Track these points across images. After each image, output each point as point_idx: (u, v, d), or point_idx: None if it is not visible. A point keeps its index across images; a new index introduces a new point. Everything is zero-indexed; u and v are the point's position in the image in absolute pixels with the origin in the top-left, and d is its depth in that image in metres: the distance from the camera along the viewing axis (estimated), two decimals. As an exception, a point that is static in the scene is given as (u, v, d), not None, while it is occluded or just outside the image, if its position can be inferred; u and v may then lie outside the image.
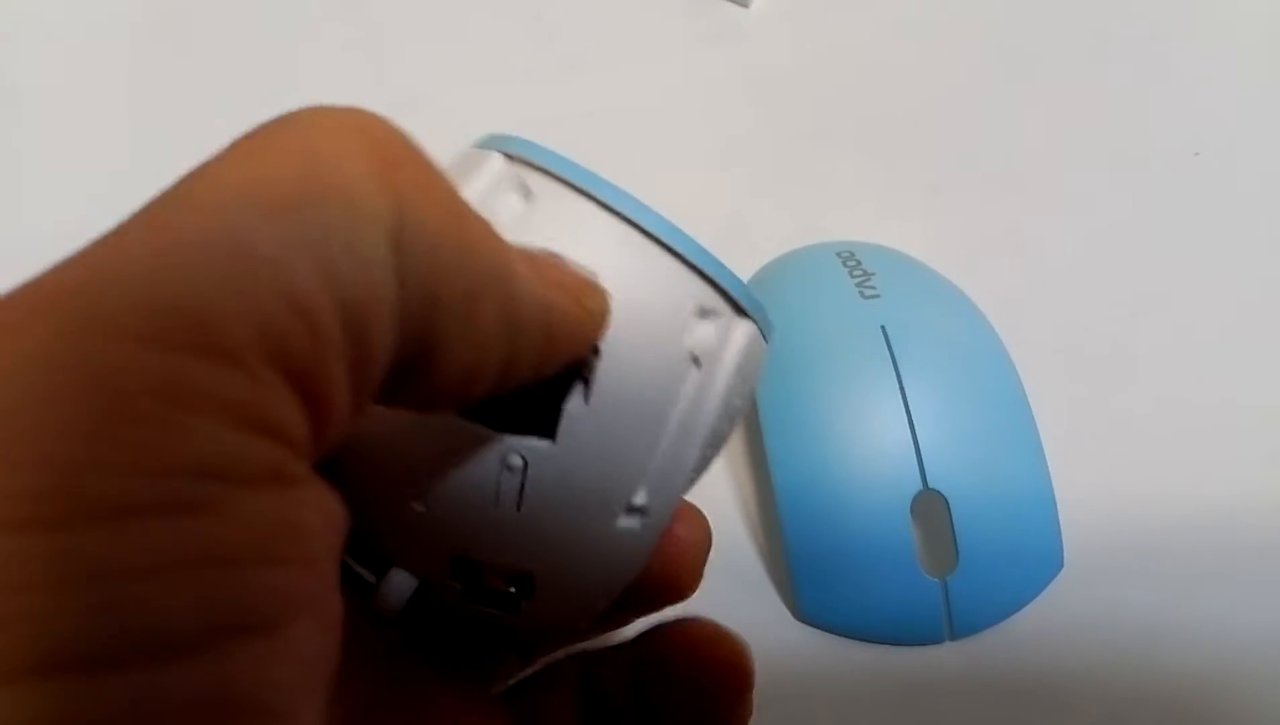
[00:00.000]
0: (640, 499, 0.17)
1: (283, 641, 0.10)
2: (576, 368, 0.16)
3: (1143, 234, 0.34)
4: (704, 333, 0.17)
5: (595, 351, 0.16)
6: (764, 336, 0.18)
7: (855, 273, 0.29)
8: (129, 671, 0.09)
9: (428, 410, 0.14)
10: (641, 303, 0.16)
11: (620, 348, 0.16)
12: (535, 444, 0.16)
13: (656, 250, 0.17)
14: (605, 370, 0.16)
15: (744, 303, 0.17)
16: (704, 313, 0.17)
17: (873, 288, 0.28)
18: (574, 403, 0.16)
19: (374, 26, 0.39)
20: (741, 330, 0.17)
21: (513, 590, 0.17)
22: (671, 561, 0.18)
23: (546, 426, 0.16)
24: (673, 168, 0.36)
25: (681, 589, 0.19)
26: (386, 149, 0.12)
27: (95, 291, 0.10)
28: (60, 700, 0.09)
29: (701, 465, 0.18)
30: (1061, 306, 0.32)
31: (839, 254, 0.30)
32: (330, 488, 0.12)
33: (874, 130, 0.37)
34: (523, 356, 0.14)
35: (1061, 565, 0.27)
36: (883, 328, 0.27)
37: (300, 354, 0.11)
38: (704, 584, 0.27)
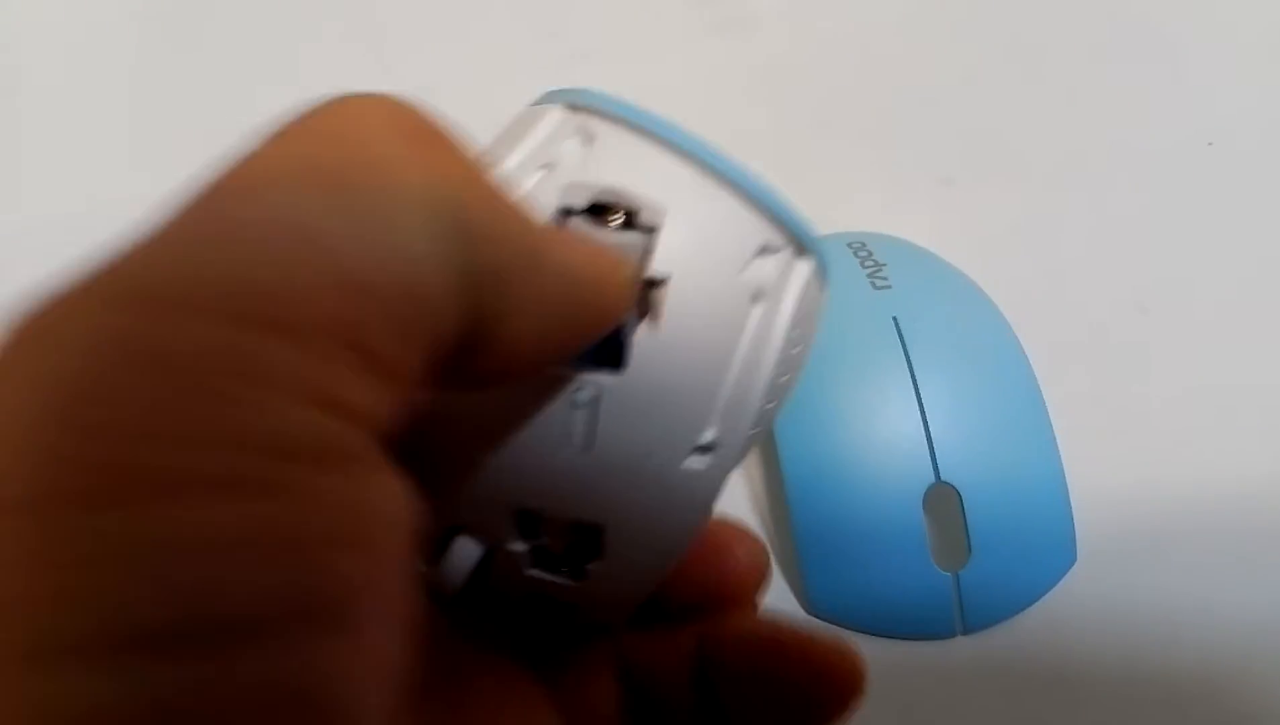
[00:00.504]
0: (709, 436, 0.16)
1: (351, 633, 0.10)
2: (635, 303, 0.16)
3: (1155, 225, 0.34)
4: (765, 269, 0.17)
5: (656, 284, 0.16)
6: (823, 278, 0.18)
7: (867, 263, 0.29)
8: (191, 653, 0.09)
9: (492, 385, 0.14)
10: (703, 237, 0.16)
11: (684, 281, 0.16)
12: (603, 378, 0.16)
13: (718, 186, 0.17)
14: (670, 303, 0.16)
15: (805, 241, 0.17)
16: (765, 250, 0.17)
17: (884, 278, 0.28)
18: (640, 334, 0.16)
19: (377, 19, 0.39)
20: (800, 270, 0.17)
21: (579, 552, 0.17)
22: (731, 581, 0.18)
23: (611, 362, 0.16)
24: None
25: (739, 605, 0.19)
26: (423, 130, 0.12)
27: (160, 270, 0.10)
28: (123, 679, 0.09)
29: (765, 416, 0.17)
30: (1073, 298, 0.32)
31: (850, 245, 0.30)
32: (402, 474, 0.11)
33: (883, 122, 0.37)
34: (571, 326, 0.14)
35: (1075, 558, 0.27)
36: (894, 319, 0.27)
37: (366, 332, 0.11)
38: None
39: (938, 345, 0.27)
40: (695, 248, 0.16)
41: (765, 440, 0.28)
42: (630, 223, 0.16)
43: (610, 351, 0.16)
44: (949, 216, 0.34)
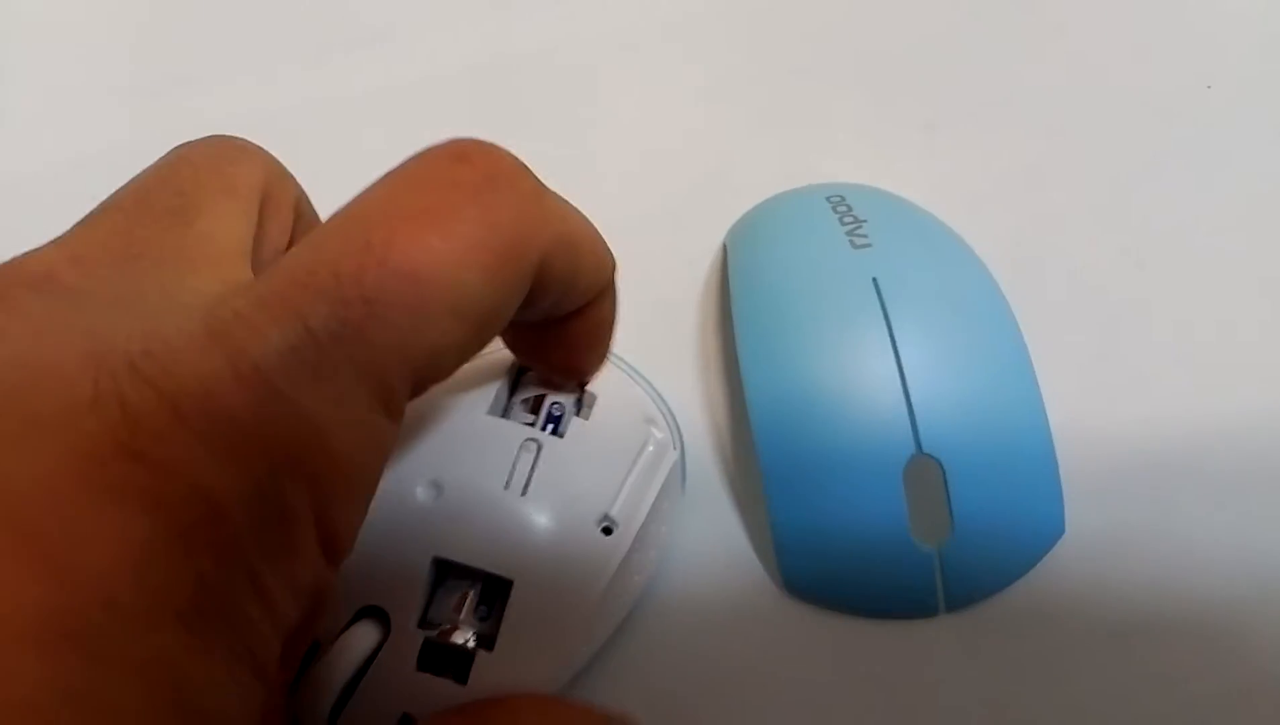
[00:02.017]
0: (614, 512, 0.22)
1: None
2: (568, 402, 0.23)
3: (1152, 173, 0.32)
4: (653, 431, 0.24)
5: (590, 393, 0.23)
6: (680, 478, 0.25)
7: (846, 220, 0.27)
8: None
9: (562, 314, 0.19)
10: (623, 389, 0.24)
11: (606, 401, 0.23)
12: (548, 437, 0.22)
13: (635, 379, 0.25)
14: (598, 405, 0.23)
15: (676, 439, 0.25)
16: (653, 422, 0.24)
17: (864, 236, 0.26)
18: (575, 417, 0.22)
19: None
20: (671, 453, 0.24)
21: (471, 646, 0.20)
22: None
23: (556, 430, 0.22)
24: (654, 105, 0.34)
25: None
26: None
27: None
28: None
29: (641, 551, 0.23)
30: (1066, 250, 0.30)
31: (829, 198, 0.28)
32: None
33: (862, 64, 0.35)
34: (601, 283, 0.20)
35: (1063, 530, 0.25)
36: (874, 280, 0.25)
37: None
38: (684, 554, 0.26)
39: (920, 309, 0.25)
40: (614, 391, 0.23)
41: (737, 408, 0.27)
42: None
43: (555, 422, 0.22)
44: (932, 163, 0.32)
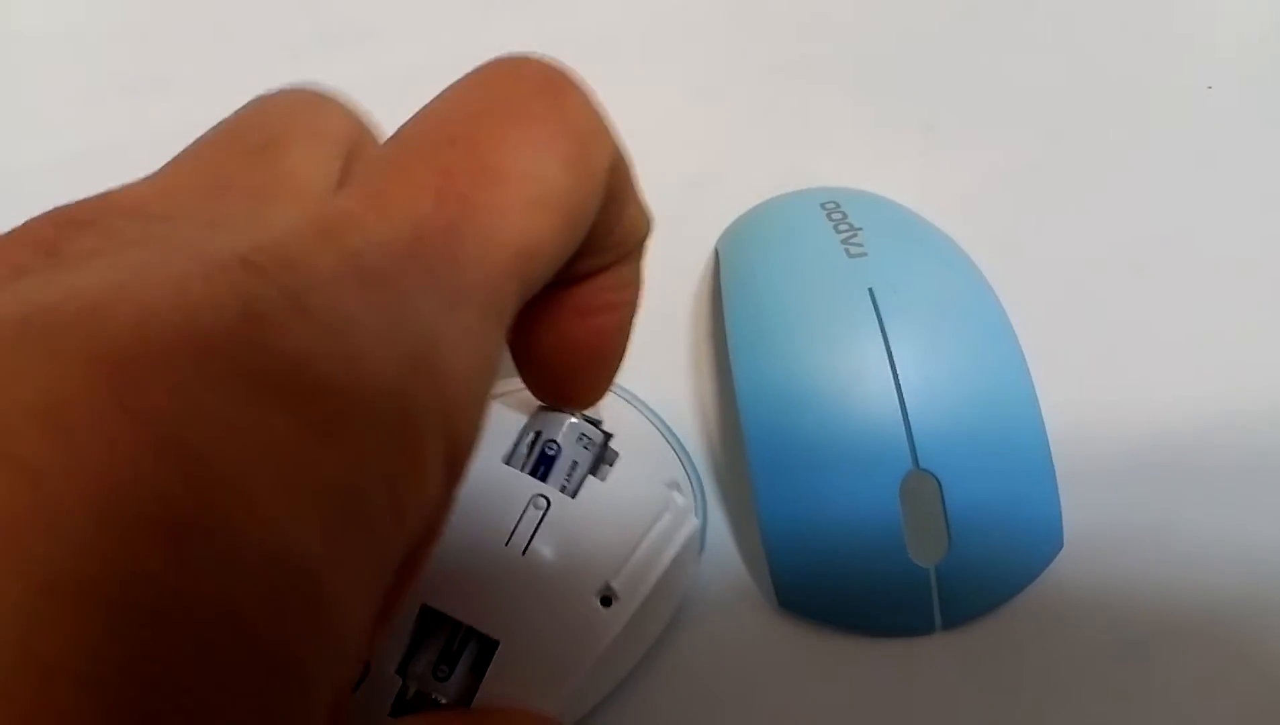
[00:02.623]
0: (615, 585, 0.21)
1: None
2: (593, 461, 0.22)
3: (1151, 175, 0.32)
4: (675, 496, 0.23)
5: (612, 451, 0.22)
6: (698, 546, 0.24)
7: (841, 227, 0.26)
8: None
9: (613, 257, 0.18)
10: (648, 447, 0.24)
11: (628, 459, 0.22)
12: (559, 494, 0.21)
13: (665, 435, 0.25)
14: (615, 471, 0.22)
15: (697, 506, 0.24)
16: (676, 486, 0.23)
17: (859, 245, 0.26)
18: (590, 480, 0.21)
19: None
20: (691, 520, 0.23)
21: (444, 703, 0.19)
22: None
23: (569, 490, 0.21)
24: (644, 104, 0.33)
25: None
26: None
27: None
28: None
29: (637, 628, 0.22)
30: (1063, 254, 0.30)
31: (823, 205, 0.27)
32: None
33: (860, 65, 0.34)
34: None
35: (1061, 545, 0.25)
36: (870, 291, 0.25)
37: None
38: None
39: (917, 320, 0.24)
40: (639, 448, 0.23)
41: (731, 423, 0.26)
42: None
43: (548, 463, 0.21)
44: (930, 166, 0.32)
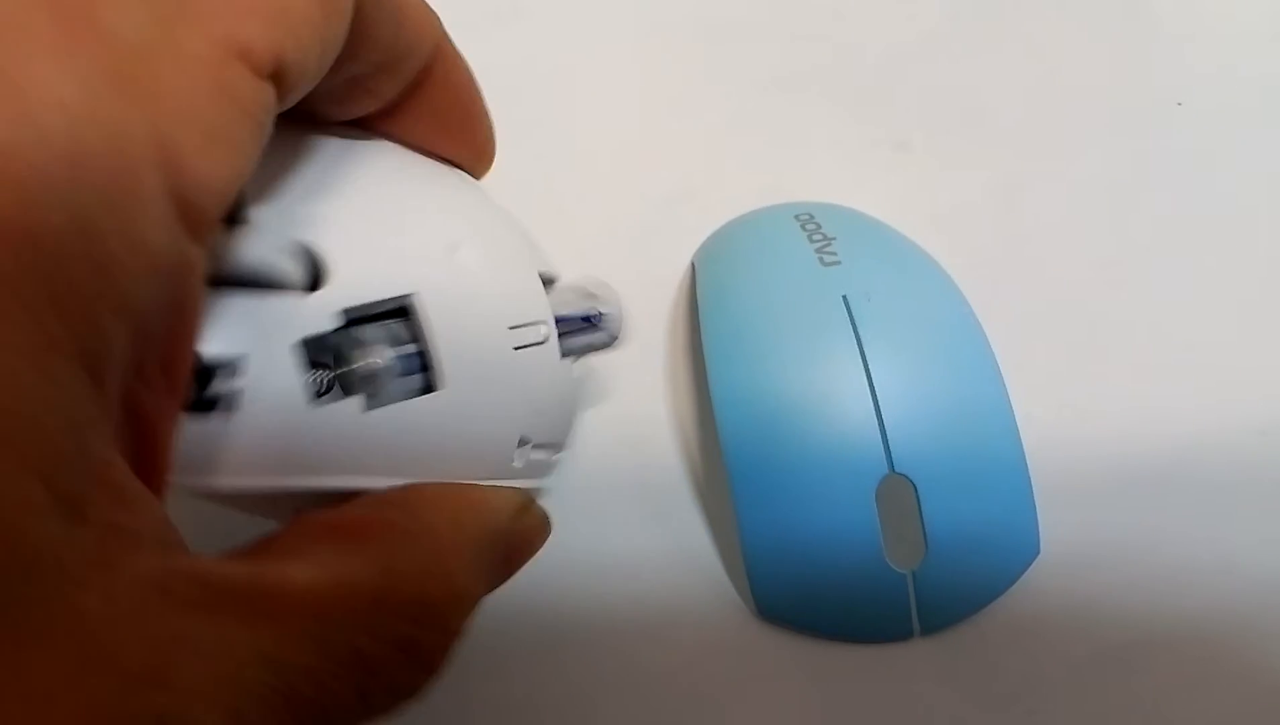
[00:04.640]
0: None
1: None
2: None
3: (1123, 190, 0.32)
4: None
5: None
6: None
7: (815, 237, 0.27)
8: None
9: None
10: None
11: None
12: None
13: None
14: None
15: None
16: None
17: (833, 254, 0.26)
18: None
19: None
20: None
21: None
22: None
23: None
24: (617, 119, 0.34)
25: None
26: None
27: None
28: None
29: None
30: (1037, 268, 0.30)
31: (797, 216, 0.28)
32: None
33: (834, 82, 0.35)
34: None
35: (1038, 551, 0.25)
36: (844, 298, 0.25)
37: None
38: (656, 578, 0.25)
39: (891, 326, 0.25)
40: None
41: (707, 430, 0.26)
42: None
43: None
44: (904, 183, 0.32)
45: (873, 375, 0.24)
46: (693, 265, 0.29)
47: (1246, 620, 0.25)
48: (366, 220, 0.17)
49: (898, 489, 0.24)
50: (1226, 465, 0.27)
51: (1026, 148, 0.33)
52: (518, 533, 0.18)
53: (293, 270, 0.15)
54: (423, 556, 0.15)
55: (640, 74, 0.35)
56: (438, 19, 0.19)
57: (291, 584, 0.13)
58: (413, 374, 0.17)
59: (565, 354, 0.21)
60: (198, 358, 0.14)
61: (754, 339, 0.25)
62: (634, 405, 0.28)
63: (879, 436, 0.23)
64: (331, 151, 0.17)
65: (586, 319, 0.22)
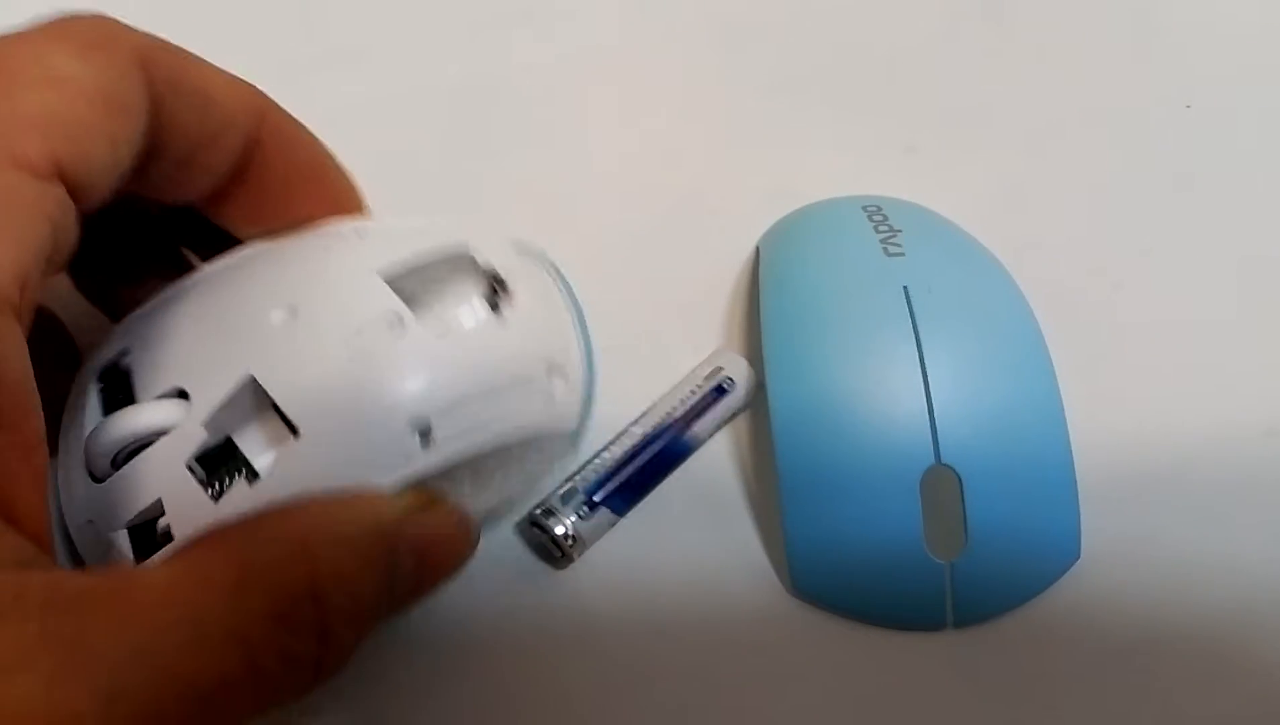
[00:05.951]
0: (437, 423, 0.19)
1: None
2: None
3: (1133, 192, 0.32)
4: None
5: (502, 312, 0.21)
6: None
7: (881, 228, 0.27)
8: None
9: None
10: (541, 325, 0.22)
11: (515, 326, 0.21)
12: (411, 317, 0.20)
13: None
14: (498, 325, 0.21)
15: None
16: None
17: (898, 245, 0.26)
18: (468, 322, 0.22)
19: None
20: (555, 417, 0.22)
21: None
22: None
23: None
24: (629, 123, 0.34)
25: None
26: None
27: None
28: None
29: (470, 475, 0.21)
30: (1046, 271, 0.29)
31: (865, 208, 0.28)
32: None
33: (843, 86, 0.34)
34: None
35: (1078, 555, 0.25)
36: (905, 288, 0.25)
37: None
38: (694, 545, 0.26)
39: (949, 319, 0.25)
40: (534, 321, 0.22)
41: (758, 403, 0.27)
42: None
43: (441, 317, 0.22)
44: (912, 186, 0.31)
45: (927, 366, 0.24)
46: (757, 249, 0.29)
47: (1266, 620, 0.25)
48: (194, 343, 0.21)
49: (943, 480, 0.24)
50: (1260, 469, 0.27)
51: (1035, 150, 0.33)
52: (417, 534, 0.18)
53: (171, 415, 0.20)
54: (279, 550, 0.16)
55: (651, 77, 0.35)
56: (255, 90, 0.20)
57: (153, 580, 0.15)
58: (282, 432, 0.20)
59: (716, 426, 0.26)
60: (136, 518, 0.20)
61: (813, 322, 0.26)
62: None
63: (928, 426, 0.24)
64: (172, 296, 0.22)
65: (719, 389, 0.26)
